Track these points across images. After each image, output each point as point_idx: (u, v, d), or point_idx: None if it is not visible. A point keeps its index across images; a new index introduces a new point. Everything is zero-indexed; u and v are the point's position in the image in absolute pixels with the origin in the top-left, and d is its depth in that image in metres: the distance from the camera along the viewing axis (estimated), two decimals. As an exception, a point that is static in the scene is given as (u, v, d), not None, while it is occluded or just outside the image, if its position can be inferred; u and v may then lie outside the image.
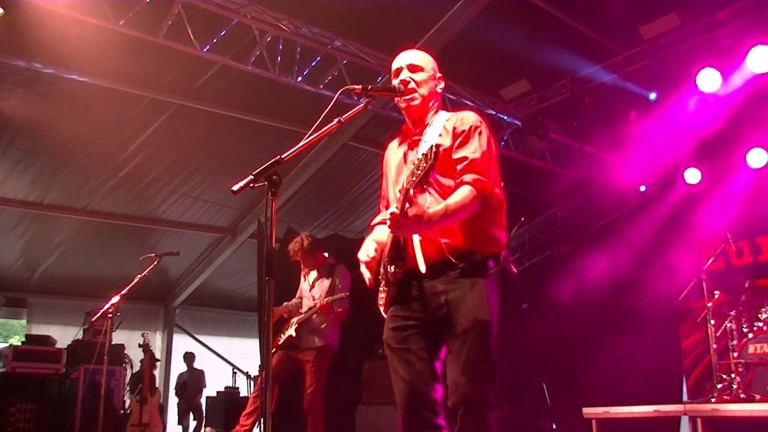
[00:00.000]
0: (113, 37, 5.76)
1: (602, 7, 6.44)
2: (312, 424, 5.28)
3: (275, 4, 6.03)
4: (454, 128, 2.62)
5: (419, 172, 2.29)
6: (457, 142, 2.59)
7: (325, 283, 5.52)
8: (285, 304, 5.69)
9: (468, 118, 2.66)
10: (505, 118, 7.87)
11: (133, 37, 5.73)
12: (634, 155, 8.49)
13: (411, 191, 2.34)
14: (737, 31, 6.37)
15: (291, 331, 5.41)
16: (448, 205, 2.44)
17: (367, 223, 2.89)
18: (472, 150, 2.57)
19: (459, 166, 2.54)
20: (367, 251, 2.65)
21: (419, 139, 2.68)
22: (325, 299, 5.30)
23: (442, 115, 2.73)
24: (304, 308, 5.50)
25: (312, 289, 5.58)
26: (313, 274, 5.65)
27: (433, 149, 2.28)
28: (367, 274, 2.65)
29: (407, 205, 2.33)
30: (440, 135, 2.61)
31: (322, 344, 5.36)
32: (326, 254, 5.74)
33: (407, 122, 2.80)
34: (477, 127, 2.63)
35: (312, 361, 5.32)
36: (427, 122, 2.72)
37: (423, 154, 2.31)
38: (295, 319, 5.46)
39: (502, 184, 2.70)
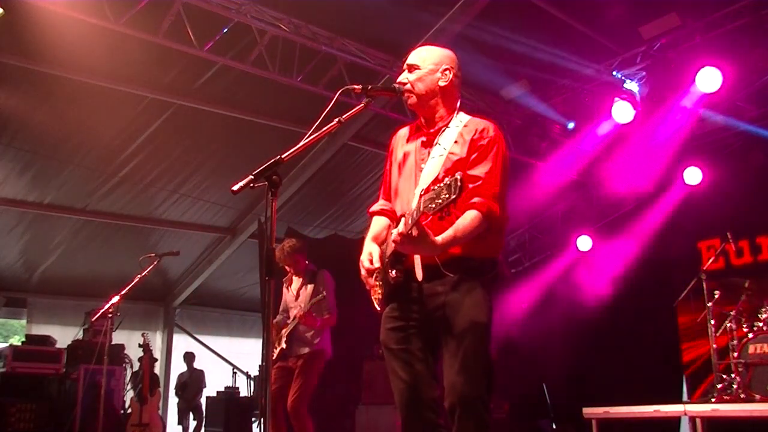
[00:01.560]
0: (113, 37, 5.77)
1: (602, 7, 6.44)
2: (299, 430, 5.18)
3: (275, 4, 6.03)
4: (473, 140, 2.59)
5: (440, 201, 2.18)
6: (474, 156, 2.57)
7: (309, 289, 5.45)
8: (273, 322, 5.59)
9: (488, 131, 2.63)
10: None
11: (133, 37, 5.73)
12: (634, 155, 8.49)
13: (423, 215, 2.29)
14: (737, 31, 6.37)
15: (282, 344, 5.36)
16: (456, 233, 2.43)
17: (367, 224, 2.88)
18: (487, 170, 2.55)
19: (471, 185, 2.51)
20: (371, 256, 2.63)
21: (433, 139, 2.67)
22: (305, 308, 5.25)
23: (461, 118, 2.69)
24: (291, 318, 5.42)
25: (297, 298, 5.51)
26: (296, 283, 5.58)
27: (458, 183, 2.14)
28: (370, 282, 2.66)
29: (415, 228, 2.31)
30: (455, 142, 2.59)
31: (308, 351, 5.29)
32: (307, 261, 5.65)
33: (420, 118, 2.79)
34: (495, 143, 2.61)
35: (300, 367, 5.26)
36: (439, 123, 2.70)
37: (446, 184, 2.17)
38: (283, 332, 5.40)
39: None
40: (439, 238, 2.39)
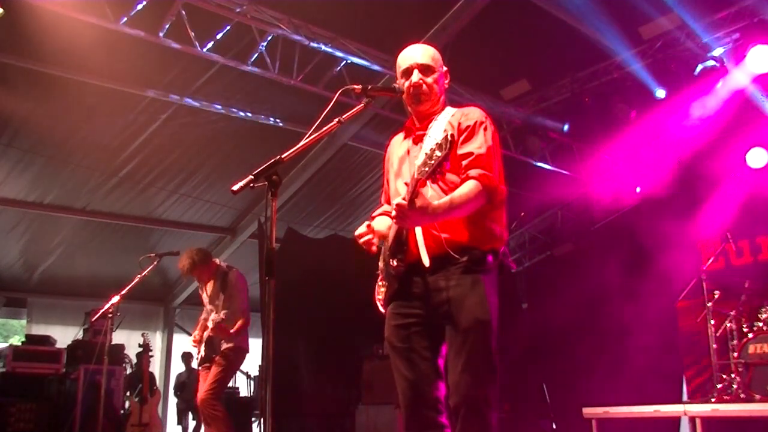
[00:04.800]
0: (113, 37, 5.76)
1: (602, 7, 6.43)
2: (211, 419, 5.16)
3: (275, 4, 6.03)
4: (459, 123, 2.61)
5: (432, 162, 2.24)
6: (462, 137, 2.59)
7: (222, 297, 5.50)
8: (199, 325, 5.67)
9: (473, 113, 2.66)
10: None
11: (133, 36, 5.73)
12: (635, 155, 8.49)
13: (419, 182, 2.31)
14: (737, 31, 6.37)
15: (202, 351, 5.45)
16: (453, 198, 2.43)
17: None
18: (478, 145, 2.56)
19: (464, 162, 2.53)
20: (360, 228, 2.65)
21: (423, 134, 2.68)
22: (217, 319, 5.28)
23: (448, 110, 2.72)
24: (210, 322, 5.42)
25: (214, 300, 5.55)
26: (211, 285, 5.64)
27: (448, 138, 2.23)
28: (367, 237, 2.62)
29: (416, 197, 2.31)
30: (445, 130, 2.59)
31: (224, 348, 5.37)
32: (218, 260, 5.73)
33: (413, 118, 2.79)
34: (482, 123, 2.62)
35: (216, 362, 5.33)
36: (431, 118, 2.71)
37: (437, 144, 2.24)
38: (204, 335, 5.46)
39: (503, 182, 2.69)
40: (435, 203, 2.40)
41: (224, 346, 5.39)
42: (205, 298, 5.69)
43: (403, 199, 2.34)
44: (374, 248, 2.64)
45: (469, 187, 2.46)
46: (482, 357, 2.44)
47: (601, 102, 7.51)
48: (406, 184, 2.40)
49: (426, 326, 2.55)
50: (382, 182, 2.98)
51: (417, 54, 2.72)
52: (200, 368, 5.52)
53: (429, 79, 2.68)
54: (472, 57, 6.91)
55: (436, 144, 2.24)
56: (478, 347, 2.44)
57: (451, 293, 2.48)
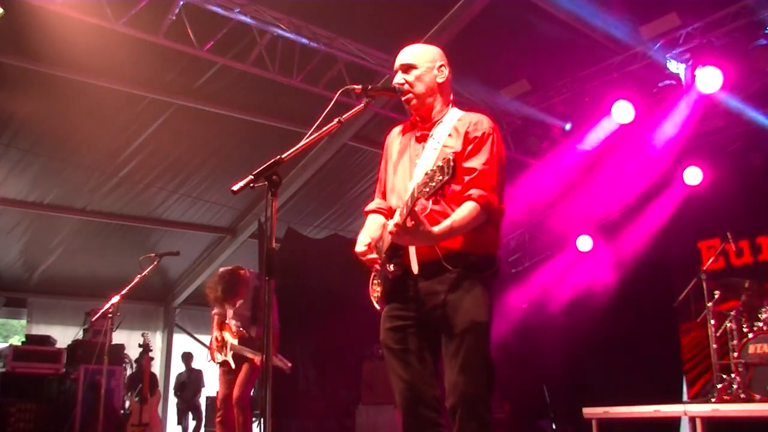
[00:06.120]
0: (113, 37, 5.77)
1: (602, 7, 6.43)
2: (242, 423, 5.24)
3: (275, 4, 6.03)
4: (467, 133, 2.57)
5: (433, 184, 2.17)
6: (469, 149, 2.55)
7: (247, 312, 5.52)
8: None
9: (482, 124, 2.61)
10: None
11: (133, 37, 5.73)
12: (634, 155, 8.48)
13: (420, 202, 2.28)
14: (737, 31, 6.37)
15: (229, 358, 5.43)
16: (453, 223, 2.42)
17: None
18: (483, 161, 2.53)
19: (467, 177, 2.51)
20: (362, 242, 2.62)
21: (427, 134, 2.66)
22: (250, 354, 5.32)
23: (454, 113, 2.68)
24: (234, 329, 5.46)
25: (237, 306, 5.56)
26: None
27: (451, 164, 2.14)
28: (373, 256, 2.60)
29: (410, 218, 2.28)
30: (449, 135, 2.58)
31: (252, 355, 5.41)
32: (247, 271, 5.71)
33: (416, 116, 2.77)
34: (490, 135, 2.58)
35: (246, 364, 5.37)
36: (435, 118, 2.69)
37: (438, 167, 2.15)
38: (230, 343, 5.44)
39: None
40: (435, 229, 2.38)
41: (250, 355, 5.39)
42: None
43: (400, 216, 2.32)
44: (377, 266, 2.63)
45: (468, 209, 2.45)
46: (478, 358, 2.45)
47: (600, 102, 7.49)
48: (404, 205, 2.34)
49: (421, 328, 2.56)
50: (378, 174, 2.94)
51: (402, 55, 2.71)
52: (220, 369, 5.53)
53: (409, 77, 2.65)
54: (472, 57, 6.91)
55: (438, 167, 2.16)
56: (475, 348, 2.45)
57: (446, 297, 2.48)
